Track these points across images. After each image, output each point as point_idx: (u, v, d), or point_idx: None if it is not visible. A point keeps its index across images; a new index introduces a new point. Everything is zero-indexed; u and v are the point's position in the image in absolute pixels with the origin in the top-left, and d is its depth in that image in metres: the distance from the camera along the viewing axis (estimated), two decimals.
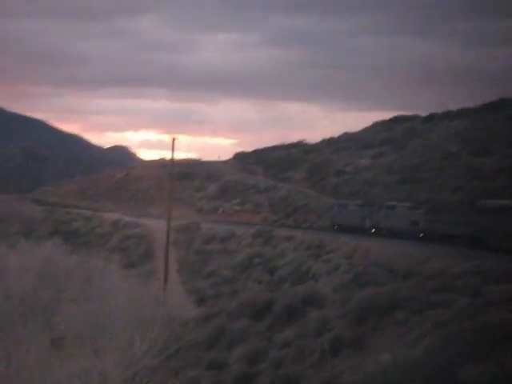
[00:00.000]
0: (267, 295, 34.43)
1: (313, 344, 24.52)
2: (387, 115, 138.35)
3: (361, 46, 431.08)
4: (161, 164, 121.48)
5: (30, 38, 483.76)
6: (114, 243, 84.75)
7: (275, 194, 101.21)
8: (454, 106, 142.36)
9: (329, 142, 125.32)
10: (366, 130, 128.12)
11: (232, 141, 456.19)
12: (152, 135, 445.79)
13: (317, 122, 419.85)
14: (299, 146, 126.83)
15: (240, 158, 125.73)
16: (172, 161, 68.30)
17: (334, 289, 33.66)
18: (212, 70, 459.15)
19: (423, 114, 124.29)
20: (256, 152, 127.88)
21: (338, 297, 31.29)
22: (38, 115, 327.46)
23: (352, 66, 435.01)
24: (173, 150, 64.39)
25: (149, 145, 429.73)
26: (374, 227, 72.06)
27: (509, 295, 23.19)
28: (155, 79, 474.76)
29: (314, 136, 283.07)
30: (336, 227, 77.98)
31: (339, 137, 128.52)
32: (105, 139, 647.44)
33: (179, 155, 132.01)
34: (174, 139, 62.96)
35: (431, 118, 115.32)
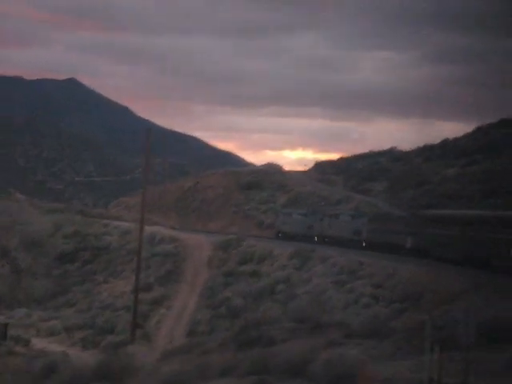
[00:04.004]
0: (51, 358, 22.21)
1: None
2: None
3: None
4: (230, 172, 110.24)
5: (192, 56, 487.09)
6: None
7: (345, 207, 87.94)
8: None
9: (422, 150, 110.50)
10: (466, 136, 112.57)
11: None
12: (308, 154, 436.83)
13: None
14: (389, 153, 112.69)
15: (321, 167, 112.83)
16: (146, 161, 56.06)
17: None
18: (369, 88, 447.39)
19: None
20: (341, 161, 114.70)
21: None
22: (197, 133, 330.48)
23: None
24: (148, 146, 52.44)
25: (305, 163, 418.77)
26: (317, 236, 72.59)
27: None
28: (312, 97, 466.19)
29: None
30: (280, 235, 78.45)
31: (437, 144, 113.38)
32: (262, 157, 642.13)
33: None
34: (149, 130, 51.08)
35: None
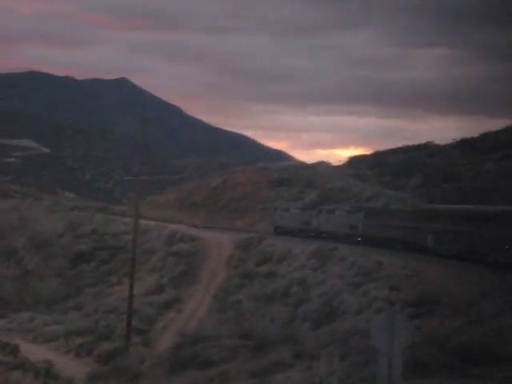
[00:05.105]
0: None
1: None
2: None
3: None
4: (260, 168, 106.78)
5: (243, 54, 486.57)
6: (156, 261, 70.71)
7: (374, 204, 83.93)
8: None
9: (460, 143, 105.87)
10: (508, 129, 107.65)
11: None
12: (360, 152, 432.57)
13: None
14: (426, 148, 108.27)
15: (354, 162, 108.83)
16: (143, 146, 52.71)
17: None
18: (422, 86, 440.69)
19: None
20: (375, 155, 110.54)
21: None
22: (248, 132, 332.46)
23: None
24: (143, 132, 49.19)
25: (339, 159, 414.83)
26: (314, 231, 71.89)
27: None
28: (363, 96, 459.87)
29: None
30: (278, 230, 78.53)
31: (476, 138, 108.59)
32: (314, 156, 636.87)
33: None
34: (145, 118, 48.03)
35: None
